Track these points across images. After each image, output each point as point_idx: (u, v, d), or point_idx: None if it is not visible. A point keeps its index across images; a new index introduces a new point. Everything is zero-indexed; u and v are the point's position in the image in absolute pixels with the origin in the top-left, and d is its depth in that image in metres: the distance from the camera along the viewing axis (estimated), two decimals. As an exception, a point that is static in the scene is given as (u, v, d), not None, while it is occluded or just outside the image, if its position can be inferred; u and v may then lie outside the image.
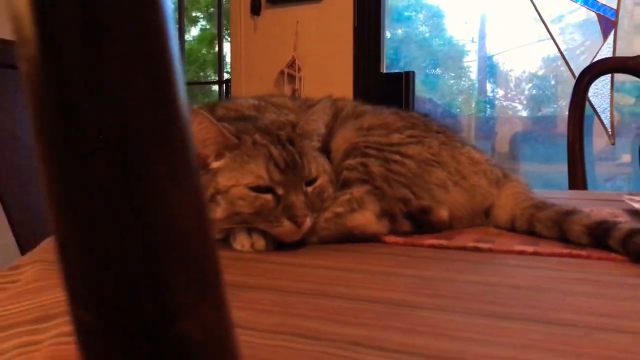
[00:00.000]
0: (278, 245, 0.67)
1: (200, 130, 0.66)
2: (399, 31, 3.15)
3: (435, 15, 3.20)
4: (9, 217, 1.13)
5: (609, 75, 2.30)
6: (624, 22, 2.42)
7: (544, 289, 0.51)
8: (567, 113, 1.71)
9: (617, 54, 2.36)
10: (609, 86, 2.37)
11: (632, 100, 2.71)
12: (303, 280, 0.54)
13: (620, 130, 2.54)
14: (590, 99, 2.34)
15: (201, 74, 4.18)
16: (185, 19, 3.61)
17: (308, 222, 0.66)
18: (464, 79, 3.26)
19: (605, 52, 2.39)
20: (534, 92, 3.02)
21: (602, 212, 0.85)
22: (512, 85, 3.10)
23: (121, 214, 0.17)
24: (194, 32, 4.31)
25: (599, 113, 2.39)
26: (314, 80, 2.65)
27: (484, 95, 3.14)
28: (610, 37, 2.39)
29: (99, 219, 0.17)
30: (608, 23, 2.39)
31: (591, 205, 0.90)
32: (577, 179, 1.64)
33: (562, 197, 1.06)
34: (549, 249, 0.64)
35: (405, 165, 0.77)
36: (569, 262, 0.60)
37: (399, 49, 3.09)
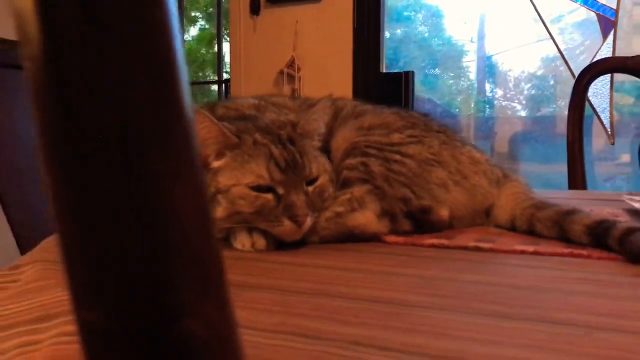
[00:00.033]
0: (279, 244, 0.67)
1: (201, 130, 0.66)
2: (398, 31, 3.14)
3: (435, 15, 3.20)
4: (9, 217, 1.13)
5: (609, 75, 2.30)
6: (623, 22, 2.42)
7: (545, 288, 0.51)
8: (566, 113, 1.71)
9: (617, 54, 2.36)
10: (608, 86, 2.37)
11: (631, 100, 2.71)
12: (304, 280, 0.54)
13: (620, 130, 2.54)
14: (590, 98, 2.34)
15: (200, 73, 4.17)
16: (184, 19, 3.61)
17: (309, 221, 0.66)
18: (463, 78, 3.26)
19: (605, 52, 2.39)
20: (533, 92, 3.01)
21: (603, 212, 0.85)
22: (511, 85, 3.10)
23: (121, 214, 0.17)
24: (193, 32, 4.30)
25: (599, 113, 2.39)
26: (313, 80, 2.65)
27: (483, 95, 3.13)
28: (610, 37, 2.39)
29: (100, 218, 0.17)
30: (607, 23, 2.39)
31: (591, 205, 0.90)
32: (577, 178, 1.64)
33: (562, 197, 1.06)
34: (549, 249, 0.64)
35: (405, 164, 0.77)
36: (570, 261, 0.60)
37: (398, 48, 3.09)
